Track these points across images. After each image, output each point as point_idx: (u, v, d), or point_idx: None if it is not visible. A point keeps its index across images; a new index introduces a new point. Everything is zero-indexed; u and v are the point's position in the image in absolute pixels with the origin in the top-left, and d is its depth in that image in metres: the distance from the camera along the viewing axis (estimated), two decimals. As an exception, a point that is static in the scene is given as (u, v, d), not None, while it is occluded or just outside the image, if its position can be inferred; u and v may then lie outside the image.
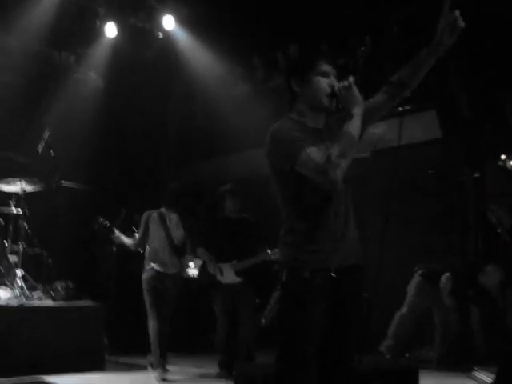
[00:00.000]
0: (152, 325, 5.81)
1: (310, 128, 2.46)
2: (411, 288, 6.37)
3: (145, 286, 5.88)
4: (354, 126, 2.31)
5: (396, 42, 6.97)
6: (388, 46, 7.09)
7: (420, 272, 6.36)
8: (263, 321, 6.45)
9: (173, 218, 6.07)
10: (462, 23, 2.36)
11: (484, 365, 5.51)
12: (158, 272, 5.82)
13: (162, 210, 6.11)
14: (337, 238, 2.39)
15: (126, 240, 6.13)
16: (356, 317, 2.46)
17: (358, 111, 2.35)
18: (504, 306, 5.82)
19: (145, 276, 5.89)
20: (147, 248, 6.02)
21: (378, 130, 6.60)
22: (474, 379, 5.37)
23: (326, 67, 2.48)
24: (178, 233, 6.04)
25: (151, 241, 5.98)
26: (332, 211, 2.40)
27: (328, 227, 2.38)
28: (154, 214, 6.07)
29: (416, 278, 6.37)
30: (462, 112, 6.45)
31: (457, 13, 2.36)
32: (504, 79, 6.32)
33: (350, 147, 2.26)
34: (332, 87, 2.43)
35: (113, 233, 6.09)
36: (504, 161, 6.05)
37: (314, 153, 2.26)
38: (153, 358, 5.80)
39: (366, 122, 2.49)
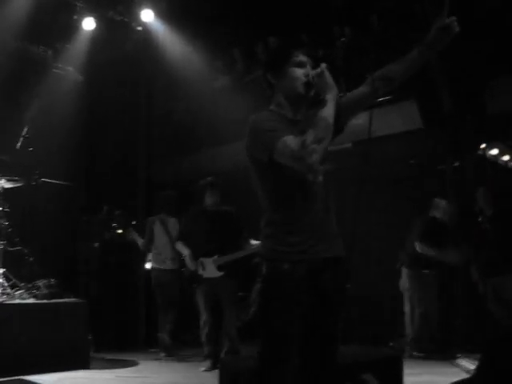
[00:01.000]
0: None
1: (289, 119, 2.46)
2: (406, 283, 6.38)
3: (153, 283, 6.77)
4: (327, 111, 2.31)
5: (376, 32, 6.99)
6: (369, 37, 7.11)
7: (406, 264, 6.39)
8: (246, 314, 6.47)
9: (171, 221, 6.81)
10: (456, 28, 2.36)
11: (467, 352, 5.58)
12: (160, 269, 6.69)
13: (162, 215, 6.87)
14: (316, 229, 2.39)
15: (139, 240, 6.93)
16: (338, 309, 2.45)
17: (331, 97, 2.35)
18: (485, 292, 5.89)
19: (152, 275, 6.80)
20: (152, 249, 6.85)
21: (360, 120, 6.62)
22: (457, 366, 5.43)
23: (301, 57, 2.47)
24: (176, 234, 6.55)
25: (156, 244, 6.80)
26: (311, 203, 2.39)
27: (307, 219, 2.38)
28: (156, 220, 6.86)
29: (406, 272, 6.40)
30: (442, 102, 6.49)
31: (453, 18, 2.36)
32: (485, 70, 6.37)
33: (324, 132, 2.25)
34: (307, 76, 2.43)
35: (128, 227, 6.99)
36: (484, 150, 6.10)
37: (290, 140, 2.26)
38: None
39: (349, 113, 2.49)
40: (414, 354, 6.17)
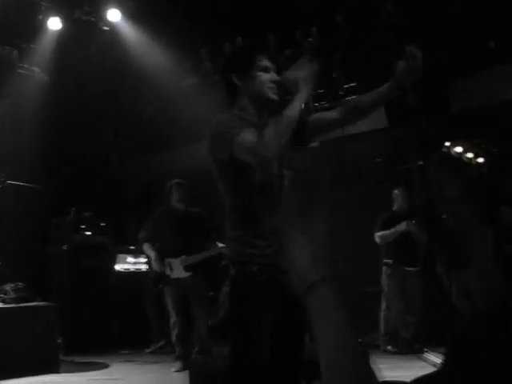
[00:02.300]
0: None
1: (252, 123, 2.47)
2: (385, 280, 6.45)
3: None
4: (292, 110, 2.33)
5: (342, 33, 7.07)
6: (335, 38, 7.18)
7: (391, 262, 6.44)
8: (215, 317, 6.45)
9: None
10: (420, 71, 2.42)
11: (434, 346, 5.69)
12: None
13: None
14: (282, 231, 2.42)
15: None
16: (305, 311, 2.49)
17: (299, 97, 2.36)
18: (450, 287, 6.00)
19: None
20: None
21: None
22: (424, 361, 5.53)
23: (265, 62, 2.51)
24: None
25: None
26: (275, 206, 2.41)
27: (272, 222, 2.40)
28: None
29: (384, 270, 6.47)
30: (407, 101, 6.59)
31: (419, 55, 2.42)
32: (449, 68, 6.49)
33: (284, 128, 2.28)
34: (274, 82, 2.47)
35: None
36: (448, 148, 6.21)
37: (248, 135, 2.29)
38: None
39: (316, 132, 2.56)
40: (388, 348, 6.26)
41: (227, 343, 2.44)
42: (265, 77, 2.49)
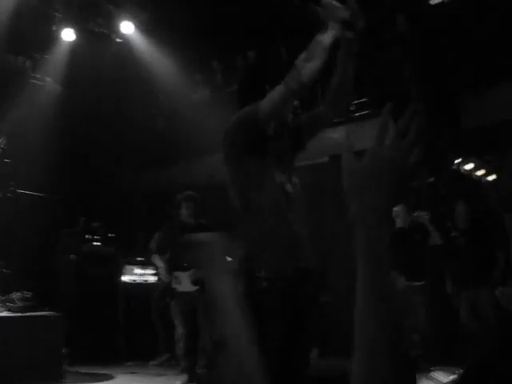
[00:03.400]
0: None
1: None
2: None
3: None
4: (326, 37, 2.28)
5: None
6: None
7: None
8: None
9: None
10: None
11: (441, 364, 5.62)
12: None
13: None
14: (290, 243, 2.40)
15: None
16: (312, 322, 2.47)
17: (332, 27, 2.29)
18: (458, 305, 5.94)
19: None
20: None
21: (336, 134, 6.68)
22: (431, 380, 5.46)
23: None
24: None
25: None
26: (281, 216, 2.41)
27: (278, 233, 2.39)
28: None
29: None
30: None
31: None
32: (461, 84, 6.48)
33: (317, 52, 2.26)
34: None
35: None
36: (458, 165, 6.18)
37: (274, 90, 2.30)
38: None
39: (313, 132, 2.56)
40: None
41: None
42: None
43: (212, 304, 1.31)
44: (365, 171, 1.03)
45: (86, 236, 7.52)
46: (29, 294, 6.00)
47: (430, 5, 6.60)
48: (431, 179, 6.53)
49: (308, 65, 2.23)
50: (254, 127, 2.34)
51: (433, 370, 5.63)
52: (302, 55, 2.26)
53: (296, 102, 2.52)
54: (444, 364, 5.65)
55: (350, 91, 2.49)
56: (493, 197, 1.56)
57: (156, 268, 6.21)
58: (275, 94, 2.30)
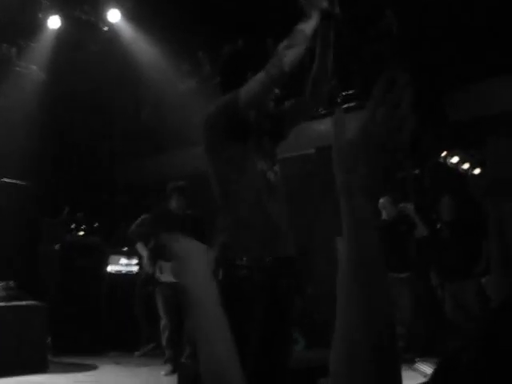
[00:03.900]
0: None
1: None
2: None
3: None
4: (307, 26, 2.28)
5: (339, 40, 7.06)
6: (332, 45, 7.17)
7: None
8: None
9: None
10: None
11: (425, 356, 5.66)
12: None
13: None
14: (270, 232, 2.40)
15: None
16: (292, 311, 2.47)
17: (315, 15, 2.30)
18: (443, 297, 5.98)
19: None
20: None
21: (323, 126, 6.69)
22: (415, 370, 5.50)
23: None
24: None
25: None
26: (261, 205, 2.40)
27: (261, 221, 2.39)
28: None
29: None
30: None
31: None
32: (446, 79, 6.50)
33: (298, 40, 2.26)
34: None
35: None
36: (445, 158, 6.22)
37: (252, 80, 2.30)
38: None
39: (295, 121, 2.56)
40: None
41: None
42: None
43: (190, 308, 1.29)
44: (353, 146, 0.99)
45: (71, 226, 7.47)
46: (12, 284, 5.96)
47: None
48: (416, 171, 6.55)
49: (289, 52, 2.23)
50: (234, 115, 2.34)
51: (417, 362, 5.67)
52: (284, 43, 2.26)
53: (277, 90, 2.51)
54: (429, 355, 5.69)
55: (327, 81, 2.49)
56: (477, 189, 1.56)
57: (139, 256, 6.17)
58: (255, 81, 2.29)
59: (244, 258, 2.35)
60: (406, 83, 0.97)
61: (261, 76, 2.27)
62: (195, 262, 1.40)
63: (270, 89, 2.35)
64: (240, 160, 2.41)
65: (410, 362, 5.78)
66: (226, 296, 2.37)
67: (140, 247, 6.01)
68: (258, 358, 2.33)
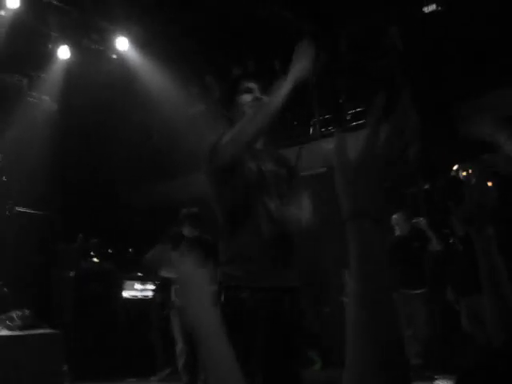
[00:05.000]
0: None
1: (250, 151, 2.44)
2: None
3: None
4: (277, 95, 2.21)
5: (347, 57, 7.11)
6: (340, 62, 7.21)
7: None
8: None
9: None
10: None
11: (445, 373, 5.58)
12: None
13: None
14: (272, 256, 2.34)
15: None
16: (297, 337, 2.38)
17: (290, 78, 2.22)
18: (460, 312, 5.90)
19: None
20: None
21: (333, 145, 6.68)
22: (435, 388, 5.42)
23: (248, 84, 2.50)
24: None
25: None
26: (265, 231, 2.35)
27: (263, 244, 2.34)
28: None
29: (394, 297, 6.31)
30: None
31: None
32: (455, 93, 6.50)
33: (252, 124, 2.22)
34: (256, 99, 2.44)
35: None
36: (457, 171, 6.18)
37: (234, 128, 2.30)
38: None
39: None
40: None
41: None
42: (245, 98, 2.48)
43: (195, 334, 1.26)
44: (356, 169, 0.97)
45: (86, 252, 7.50)
46: (28, 313, 5.97)
47: (423, 13, 6.63)
48: (427, 186, 6.52)
49: (234, 142, 2.22)
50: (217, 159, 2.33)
51: (437, 379, 5.59)
52: (233, 129, 2.27)
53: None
54: (448, 372, 5.61)
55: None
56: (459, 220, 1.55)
57: (155, 283, 6.14)
58: (236, 129, 2.28)
59: (244, 281, 2.30)
60: (409, 102, 0.96)
61: (240, 124, 2.27)
62: (196, 287, 1.37)
63: (253, 137, 2.28)
64: (242, 189, 2.37)
65: (429, 380, 5.71)
66: (227, 319, 2.34)
67: (168, 272, 5.91)
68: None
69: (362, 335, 0.90)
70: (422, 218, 6.22)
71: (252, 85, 2.49)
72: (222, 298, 2.35)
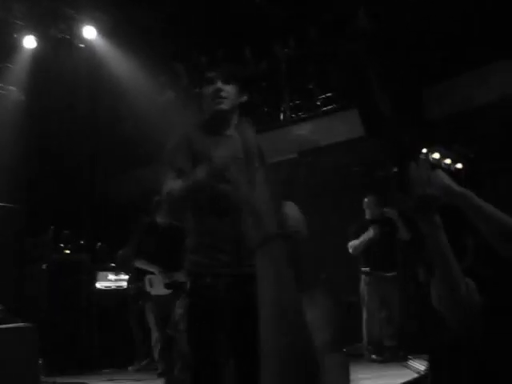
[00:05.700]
0: None
1: (216, 135, 2.48)
2: (364, 289, 6.37)
3: None
4: (195, 176, 2.33)
5: (316, 44, 7.13)
6: (309, 49, 7.23)
7: (368, 270, 6.36)
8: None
9: None
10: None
11: (417, 353, 5.67)
12: None
13: None
14: (236, 243, 2.36)
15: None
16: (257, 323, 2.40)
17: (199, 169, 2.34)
18: (430, 292, 6.00)
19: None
20: None
21: (303, 131, 6.72)
22: (408, 368, 5.52)
23: (209, 74, 2.49)
24: None
25: None
26: (228, 217, 2.38)
27: (228, 232, 2.36)
28: None
29: (363, 278, 6.41)
30: (383, 110, 6.65)
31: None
32: (423, 75, 6.57)
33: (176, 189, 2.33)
34: (217, 91, 2.43)
35: None
36: (426, 154, 6.26)
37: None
38: None
39: None
40: (373, 357, 6.21)
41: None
42: (207, 90, 2.47)
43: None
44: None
45: (56, 244, 7.44)
46: (1, 306, 5.90)
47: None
48: (395, 170, 6.58)
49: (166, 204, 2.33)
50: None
51: (410, 359, 5.69)
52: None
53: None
54: (421, 352, 5.71)
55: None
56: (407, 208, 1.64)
57: (130, 273, 6.11)
58: (167, 188, 2.37)
59: (208, 267, 2.34)
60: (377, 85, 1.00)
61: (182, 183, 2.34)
62: None
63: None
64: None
65: (403, 360, 5.81)
66: (194, 306, 2.36)
67: (144, 263, 5.83)
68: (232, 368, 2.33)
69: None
70: (392, 209, 6.27)
71: (214, 74, 2.47)
72: (188, 286, 2.37)
